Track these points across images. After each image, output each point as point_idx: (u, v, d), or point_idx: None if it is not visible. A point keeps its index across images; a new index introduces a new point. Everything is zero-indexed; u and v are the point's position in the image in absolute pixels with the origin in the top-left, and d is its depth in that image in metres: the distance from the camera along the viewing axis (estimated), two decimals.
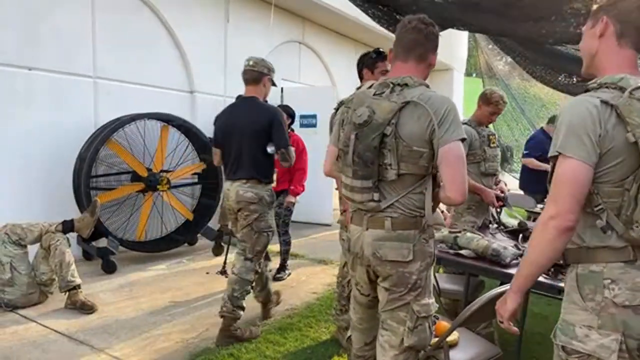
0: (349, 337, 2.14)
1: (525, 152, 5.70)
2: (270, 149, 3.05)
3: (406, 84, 1.72)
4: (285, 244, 4.51)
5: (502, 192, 3.42)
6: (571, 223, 1.26)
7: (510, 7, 2.21)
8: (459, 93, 12.77)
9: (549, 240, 1.28)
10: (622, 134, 1.25)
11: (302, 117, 7.26)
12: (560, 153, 1.28)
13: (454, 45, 11.83)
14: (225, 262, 4.42)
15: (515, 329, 1.49)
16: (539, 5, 2.15)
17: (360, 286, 1.90)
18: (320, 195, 7.17)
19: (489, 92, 3.39)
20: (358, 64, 2.90)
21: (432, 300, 1.79)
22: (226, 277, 3.79)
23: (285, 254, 4.49)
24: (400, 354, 1.75)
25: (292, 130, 4.56)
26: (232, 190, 3.02)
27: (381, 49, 2.82)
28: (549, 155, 1.37)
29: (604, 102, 1.27)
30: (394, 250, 1.70)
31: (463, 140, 1.66)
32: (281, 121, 3.07)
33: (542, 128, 6.17)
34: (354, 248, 1.83)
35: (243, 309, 2.99)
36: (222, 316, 2.94)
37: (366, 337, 2.01)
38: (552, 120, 5.98)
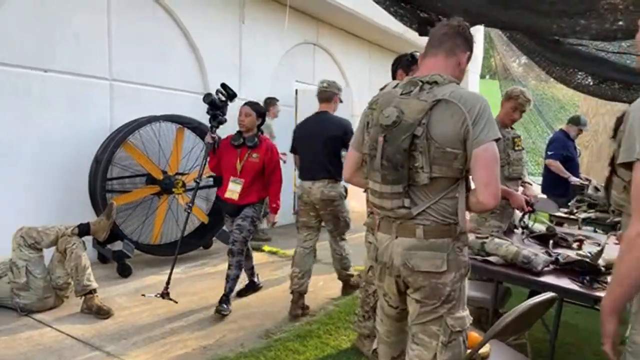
0: (375, 349, 2.04)
1: (549, 152, 5.55)
2: (344, 153, 3.55)
3: (435, 82, 1.62)
4: (238, 267, 3.63)
5: (533, 197, 3.29)
6: None
7: (541, 2, 2.11)
8: None
9: (637, 260, 1.17)
10: None
11: None
12: (638, 159, 1.17)
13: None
14: (168, 282, 3.67)
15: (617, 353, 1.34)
16: (572, 1, 2.04)
17: (389, 297, 1.80)
18: None
19: (510, 89, 3.34)
20: (393, 64, 2.83)
21: (467, 312, 1.69)
22: (167, 299, 3.54)
23: (233, 281, 3.60)
24: None
25: (262, 132, 4.03)
26: (316, 189, 3.61)
27: (417, 53, 2.75)
28: (622, 161, 1.26)
29: None
30: (426, 261, 1.60)
31: (497, 140, 1.56)
32: (352, 130, 3.54)
33: (561, 129, 6.03)
34: (382, 257, 1.72)
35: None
36: (343, 280, 4.05)
37: (393, 351, 1.92)
38: (572, 120, 5.83)
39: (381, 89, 1.84)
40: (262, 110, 3.92)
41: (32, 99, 4.19)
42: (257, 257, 5.22)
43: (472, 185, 1.65)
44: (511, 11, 2.35)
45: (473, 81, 12.47)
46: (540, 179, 6.21)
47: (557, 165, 5.35)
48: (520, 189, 3.54)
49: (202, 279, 4.35)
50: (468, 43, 1.74)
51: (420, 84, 1.65)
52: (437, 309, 1.62)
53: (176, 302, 3.55)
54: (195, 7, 5.51)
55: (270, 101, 6.07)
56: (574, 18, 2.17)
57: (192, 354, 2.84)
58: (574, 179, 5.28)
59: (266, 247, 5.61)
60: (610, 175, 2.26)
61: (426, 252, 1.60)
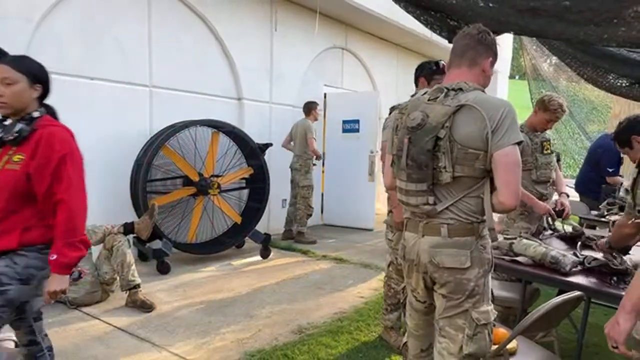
0: (405, 343, 2.15)
1: (610, 169, 5.13)
2: None
3: (460, 89, 1.73)
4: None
5: (562, 206, 3.32)
6: None
7: (569, 11, 2.18)
8: (503, 96, 12.49)
9: None
10: None
11: (344, 122, 7.33)
12: None
13: (499, 47, 11.56)
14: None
15: (632, 352, 1.42)
16: (600, 9, 2.11)
17: (417, 292, 1.91)
18: (362, 200, 7.20)
19: (547, 99, 3.25)
20: (416, 71, 2.93)
21: (491, 307, 1.78)
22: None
23: None
24: None
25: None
26: None
27: (442, 62, 2.84)
28: None
29: None
30: (451, 257, 1.71)
31: (520, 143, 1.65)
32: None
33: (606, 134, 5.75)
34: (410, 255, 1.84)
35: None
36: None
37: (422, 344, 2.02)
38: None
39: (412, 96, 1.95)
40: (35, 69, 1.93)
41: (80, 105, 4.47)
42: (289, 257, 5.39)
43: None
44: (540, 19, 2.42)
45: (502, 82, 12.36)
46: (571, 181, 6.11)
47: (617, 180, 5.11)
48: (555, 196, 3.56)
49: (235, 276, 4.54)
50: (490, 49, 1.83)
51: (446, 90, 1.76)
52: (462, 303, 1.73)
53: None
54: (228, 15, 5.73)
55: (311, 104, 6.24)
56: (601, 26, 2.24)
57: (229, 346, 3.00)
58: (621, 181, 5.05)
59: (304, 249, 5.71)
60: (636, 177, 2.31)
61: (451, 250, 1.71)
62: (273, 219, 6.55)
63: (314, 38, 6.85)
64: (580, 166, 6.51)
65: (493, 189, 1.73)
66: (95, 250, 3.78)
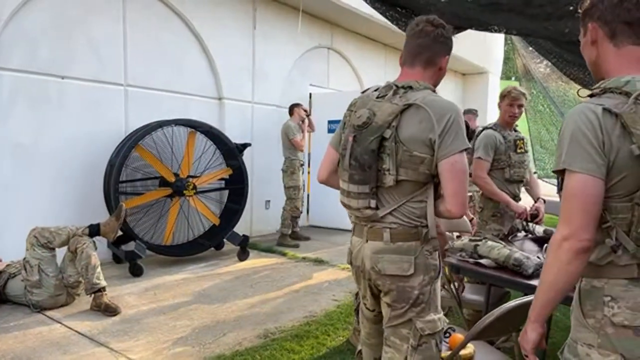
0: (359, 351, 2.07)
1: None
2: None
3: (410, 87, 1.65)
4: None
5: (537, 211, 3.25)
6: (587, 243, 1.14)
7: (529, 5, 2.11)
8: (494, 97, 12.43)
9: (564, 263, 1.16)
10: (627, 145, 1.13)
11: (330, 122, 7.25)
12: (566, 168, 1.17)
13: (488, 48, 11.54)
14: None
15: None
16: (560, 2, 2.03)
17: (366, 300, 1.83)
18: None
19: (503, 89, 3.30)
20: None
21: (440, 315, 1.69)
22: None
23: None
24: None
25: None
26: None
27: None
28: (553, 169, 1.26)
29: (607, 110, 1.14)
30: (393, 264, 1.62)
31: (466, 149, 1.58)
32: None
33: None
34: (356, 261, 1.76)
35: None
36: None
37: (375, 353, 1.93)
38: None
39: (362, 92, 1.87)
40: None
41: (50, 105, 4.39)
42: (268, 259, 5.31)
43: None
44: (501, 15, 2.35)
45: (493, 83, 12.31)
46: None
47: None
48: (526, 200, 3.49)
49: (210, 279, 4.45)
50: (446, 46, 1.73)
51: (395, 88, 1.68)
52: (406, 312, 1.63)
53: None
54: (207, 13, 5.66)
55: (294, 105, 6.19)
56: (562, 20, 2.16)
57: (189, 351, 2.92)
58: None
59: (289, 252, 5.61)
60: None
61: (393, 256, 1.62)
62: (256, 221, 6.48)
63: (297, 37, 6.78)
64: None
65: (437, 196, 1.66)
66: (60, 253, 3.70)
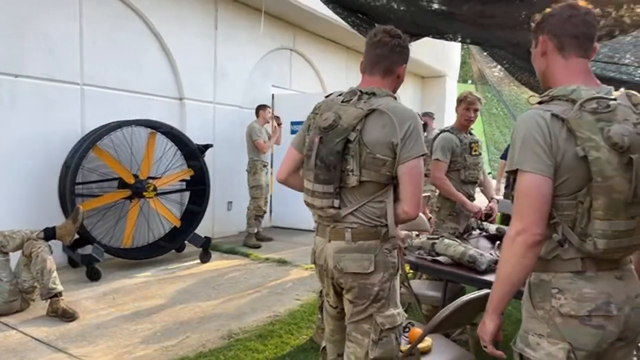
0: (324, 347, 2.14)
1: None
2: None
3: (374, 93, 1.74)
4: None
5: (491, 210, 3.41)
6: (539, 237, 1.25)
7: (482, 16, 2.24)
8: (452, 100, 12.84)
9: (519, 257, 1.26)
10: (572, 147, 1.24)
11: (292, 123, 7.29)
12: (518, 169, 1.28)
13: (447, 52, 11.90)
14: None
15: (500, 352, 1.42)
16: (510, 14, 2.17)
17: (329, 298, 1.90)
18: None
19: (459, 94, 3.46)
20: None
21: (399, 310, 1.78)
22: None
23: None
24: None
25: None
26: None
27: None
28: (506, 169, 1.37)
29: (554, 115, 1.26)
30: (354, 262, 1.70)
31: (424, 155, 1.69)
32: None
33: None
34: (319, 260, 1.83)
35: None
36: None
37: (338, 349, 2.00)
38: None
39: (326, 97, 1.93)
40: None
41: (2, 104, 4.22)
42: (231, 260, 5.29)
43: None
44: (456, 24, 2.47)
45: (451, 86, 12.70)
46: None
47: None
48: (480, 200, 3.66)
49: (171, 282, 4.40)
50: (403, 55, 1.83)
51: (360, 93, 1.76)
52: (367, 308, 1.72)
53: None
54: (167, 12, 5.58)
55: (260, 107, 6.20)
56: (512, 31, 2.30)
57: (152, 355, 2.89)
58: None
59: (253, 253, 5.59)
60: None
61: (354, 255, 1.70)
62: (218, 222, 6.43)
63: (260, 38, 6.78)
64: None
65: (396, 197, 1.75)
66: (14, 257, 3.56)
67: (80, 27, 4.77)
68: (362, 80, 1.86)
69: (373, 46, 1.80)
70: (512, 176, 1.35)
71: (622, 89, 1.40)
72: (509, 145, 5.40)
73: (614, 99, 1.30)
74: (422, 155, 1.67)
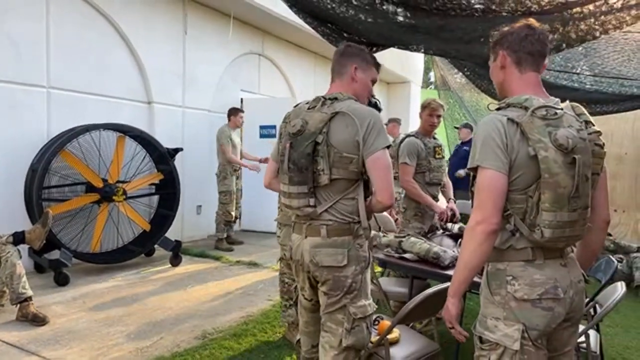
0: (299, 340, 2.25)
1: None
2: None
3: (336, 98, 1.90)
4: None
5: (452, 211, 3.61)
6: (495, 226, 1.41)
7: (442, 30, 2.42)
8: (416, 105, 13.20)
9: (478, 244, 1.41)
10: (525, 148, 1.42)
11: (261, 127, 7.37)
12: (479, 165, 1.45)
13: (410, 59, 12.24)
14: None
15: (465, 332, 1.57)
16: (468, 29, 2.36)
17: (305, 291, 2.02)
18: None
19: (423, 100, 3.65)
20: None
21: (370, 301, 1.93)
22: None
23: None
24: (340, 354, 1.87)
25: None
26: None
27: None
28: (468, 166, 1.54)
29: (510, 120, 1.44)
30: (329, 256, 1.84)
31: (388, 147, 1.84)
32: None
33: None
34: (296, 255, 1.95)
35: None
36: None
37: (313, 340, 2.12)
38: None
39: (295, 106, 2.07)
40: None
41: None
42: (202, 264, 5.32)
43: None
44: (418, 36, 2.65)
45: (415, 92, 13.06)
46: None
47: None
48: (443, 200, 3.86)
49: (142, 285, 4.40)
50: (354, 57, 1.98)
51: (323, 99, 1.92)
52: (340, 299, 1.85)
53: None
54: (136, 15, 5.57)
55: (231, 111, 6.20)
56: (470, 44, 2.50)
57: (127, 356, 2.92)
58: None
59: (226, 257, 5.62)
60: None
61: (329, 249, 1.84)
62: (187, 226, 6.43)
63: (228, 43, 6.84)
64: None
65: (367, 194, 1.89)
66: None
67: (47, 29, 4.71)
68: (328, 89, 2.02)
69: (333, 58, 2.01)
70: (472, 173, 1.51)
71: (567, 102, 1.59)
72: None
73: (561, 109, 1.49)
74: (387, 147, 1.82)
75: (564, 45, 2.40)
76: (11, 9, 4.40)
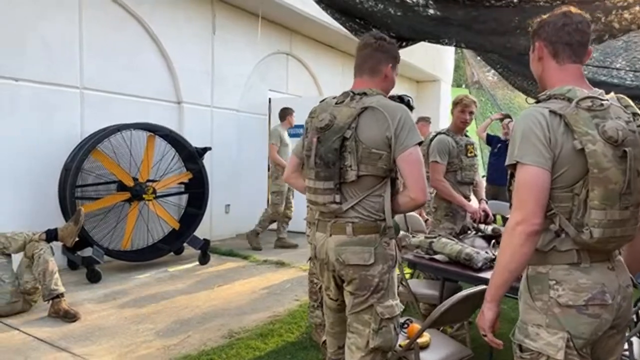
0: (324, 341, 2.20)
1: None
2: None
3: (365, 93, 1.83)
4: None
5: (485, 212, 3.48)
6: (537, 227, 1.31)
7: (476, 21, 2.32)
8: (446, 103, 12.95)
9: (518, 246, 1.31)
10: (569, 141, 1.31)
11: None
12: (518, 162, 1.34)
13: (440, 57, 12.03)
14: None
15: (499, 341, 1.46)
16: (503, 19, 2.25)
17: (330, 291, 1.97)
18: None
19: (455, 97, 3.53)
20: None
21: (397, 301, 1.85)
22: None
23: None
24: (367, 356, 1.81)
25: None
26: None
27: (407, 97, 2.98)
28: (507, 163, 1.43)
29: (553, 112, 1.34)
30: (355, 255, 1.77)
31: (420, 143, 1.77)
32: None
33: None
34: (320, 254, 1.89)
35: None
36: None
37: (339, 341, 2.06)
38: None
39: (321, 101, 2.02)
40: None
41: (2, 108, 4.26)
42: (230, 262, 5.34)
43: (401, 188, 1.85)
44: (450, 29, 2.55)
45: (445, 90, 12.82)
46: None
47: None
48: (475, 200, 3.73)
49: (171, 283, 4.44)
50: (389, 55, 1.91)
51: (352, 94, 1.86)
52: (367, 299, 1.79)
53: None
54: (166, 16, 5.64)
55: (284, 111, 6.27)
56: (505, 35, 2.39)
57: (155, 353, 2.94)
58: None
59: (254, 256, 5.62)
60: None
61: (355, 247, 1.77)
62: (215, 225, 6.47)
63: (257, 43, 6.85)
64: None
65: (393, 192, 1.82)
66: (16, 259, 3.60)
67: (79, 32, 4.82)
68: (353, 84, 1.95)
69: (360, 49, 1.92)
70: (511, 171, 1.42)
71: (612, 93, 1.48)
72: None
73: (607, 100, 1.38)
74: (419, 143, 1.76)
75: (607, 36, 2.27)
76: (46, 13, 4.52)
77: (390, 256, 1.82)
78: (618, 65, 5.26)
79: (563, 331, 1.33)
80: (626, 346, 2.21)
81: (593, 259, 1.36)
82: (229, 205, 6.67)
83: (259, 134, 7.29)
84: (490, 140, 7.04)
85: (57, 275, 3.48)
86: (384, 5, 2.62)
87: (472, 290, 2.08)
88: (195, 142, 5.38)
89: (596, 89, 1.44)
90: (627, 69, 5.28)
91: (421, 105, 12.22)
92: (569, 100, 1.36)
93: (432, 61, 11.46)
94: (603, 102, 1.36)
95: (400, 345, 2.12)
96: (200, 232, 5.44)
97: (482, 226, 3.65)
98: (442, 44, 2.96)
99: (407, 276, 3.68)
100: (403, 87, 11.41)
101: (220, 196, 6.47)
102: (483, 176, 7.83)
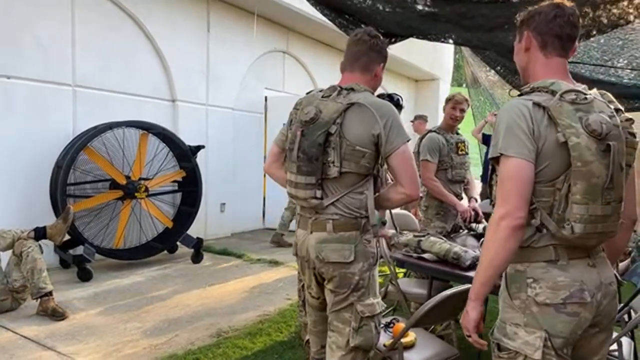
0: (308, 340, 2.17)
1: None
2: None
3: (352, 89, 1.80)
4: None
5: (475, 211, 3.45)
6: (521, 221, 1.27)
7: (464, 17, 2.29)
8: None
9: (502, 240, 1.27)
10: (553, 134, 1.28)
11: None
12: (502, 154, 1.31)
13: (439, 56, 11.98)
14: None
15: (484, 342, 1.42)
16: (491, 15, 2.23)
17: (311, 289, 1.94)
18: None
19: (447, 96, 3.54)
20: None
21: (378, 300, 1.82)
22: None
23: None
24: (347, 355, 1.78)
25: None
26: None
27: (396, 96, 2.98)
28: (490, 156, 1.40)
29: (536, 104, 1.30)
30: (335, 252, 1.74)
31: (408, 140, 1.75)
32: None
33: None
34: (301, 252, 1.87)
35: None
36: None
37: (321, 340, 2.03)
38: None
39: (307, 93, 1.99)
40: None
41: None
42: (223, 261, 5.31)
43: (384, 185, 1.82)
44: (438, 25, 2.52)
45: (444, 89, 12.77)
46: None
47: None
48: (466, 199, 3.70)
49: (163, 282, 4.41)
50: (381, 54, 1.90)
51: (339, 89, 1.82)
52: (347, 297, 1.76)
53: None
54: (160, 14, 5.61)
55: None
56: (492, 32, 2.36)
57: (140, 352, 2.91)
58: None
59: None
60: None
61: (335, 245, 1.75)
62: (210, 224, 6.44)
63: (253, 41, 6.82)
64: None
65: (375, 189, 1.80)
66: (5, 257, 3.58)
67: (72, 30, 4.80)
68: (342, 79, 1.92)
69: (353, 44, 1.88)
70: (494, 164, 1.38)
71: (595, 89, 1.45)
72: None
73: (590, 94, 1.35)
74: (407, 140, 1.74)
75: (595, 31, 2.24)
76: (39, 11, 4.49)
77: (371, 254, 1.79)
78: (619, 64, 5.23)
79: (541, 330, 1.30)
80: (615, 346, 2.18)
81: (572, 256, 1.33)
82: (224, 204, 6.65)
83: (255, 133, 7.27)
84: (486, 139, 7.03)
85: (45, 273, 3.46)
86: (373, 1, 2.59)
87: (458, 289, 2.05)
88: (190, 141, 5.36)
89: (579, 84, 1.41)
90: (625, 67, 5.25)
91: (420, 104, 12.19)
92: (553, 93, 1.33)
93: (431, 60, 11.42)
94: (587, 95, 1.34)
95: (385, 345, 2.09)
96: (195, 231, 5.42)
97: (473, 225, 3.62)
98: (430, 40, 2.93)
99: (400, 275, 3.65)
100: (401, 86, 11.37)
101: (216, 195, 6.45)
102: (480, 175, 7.80)
